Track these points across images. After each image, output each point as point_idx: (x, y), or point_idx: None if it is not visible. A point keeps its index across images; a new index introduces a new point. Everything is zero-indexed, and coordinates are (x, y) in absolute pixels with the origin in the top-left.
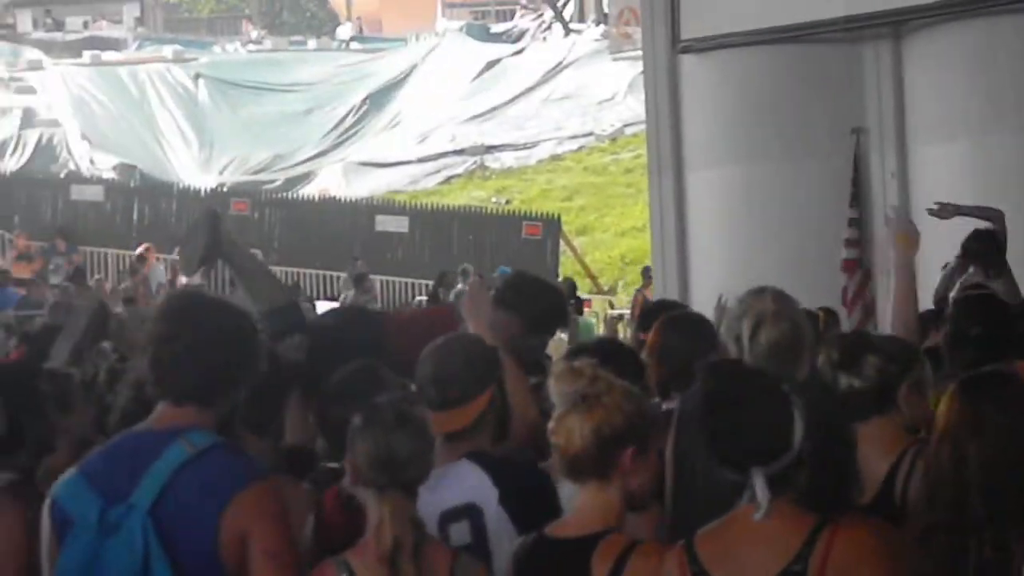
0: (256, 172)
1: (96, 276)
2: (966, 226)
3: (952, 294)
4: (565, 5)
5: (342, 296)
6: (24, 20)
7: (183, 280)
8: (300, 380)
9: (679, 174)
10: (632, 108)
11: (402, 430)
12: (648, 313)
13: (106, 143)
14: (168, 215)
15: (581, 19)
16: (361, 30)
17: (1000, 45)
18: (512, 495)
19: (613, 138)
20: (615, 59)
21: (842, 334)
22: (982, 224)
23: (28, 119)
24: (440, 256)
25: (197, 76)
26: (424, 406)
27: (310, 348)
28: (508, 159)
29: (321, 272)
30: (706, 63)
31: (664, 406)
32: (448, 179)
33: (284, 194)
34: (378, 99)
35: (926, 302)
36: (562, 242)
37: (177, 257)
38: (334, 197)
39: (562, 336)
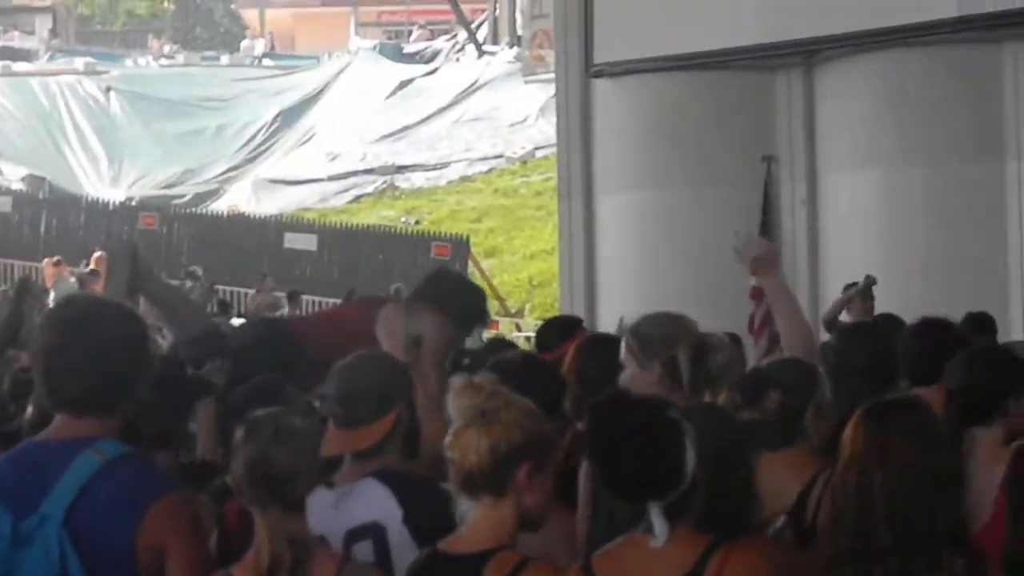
0: (166, 187)
1: (1, 288)
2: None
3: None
4: (479, 27)
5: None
6: None
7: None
8: (213, 395)
9: (589, 198)
10: (543, 131)
11: (280, 445)
12: (546, 329)
13: (15, 154)
14: (76, 227)
15: (495, 41)
16: (273, 47)
17: (910, 77)
18: (416, 514)
19: (524, 161)
20: (528, 82)
21: (743, 375)
22: None
23: None
24: (348, 275)
25: (108, 89)
26: (331, 422)
27: (231, 370)
28: (418, 179)
29: (229, 288)
30: (618, 88)
31: (581, 426)
32: (358, 198)
33: (193, 209)
34: (290, 116)
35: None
36: (470, 263)
37: (85, 270)
38: (243, 213)
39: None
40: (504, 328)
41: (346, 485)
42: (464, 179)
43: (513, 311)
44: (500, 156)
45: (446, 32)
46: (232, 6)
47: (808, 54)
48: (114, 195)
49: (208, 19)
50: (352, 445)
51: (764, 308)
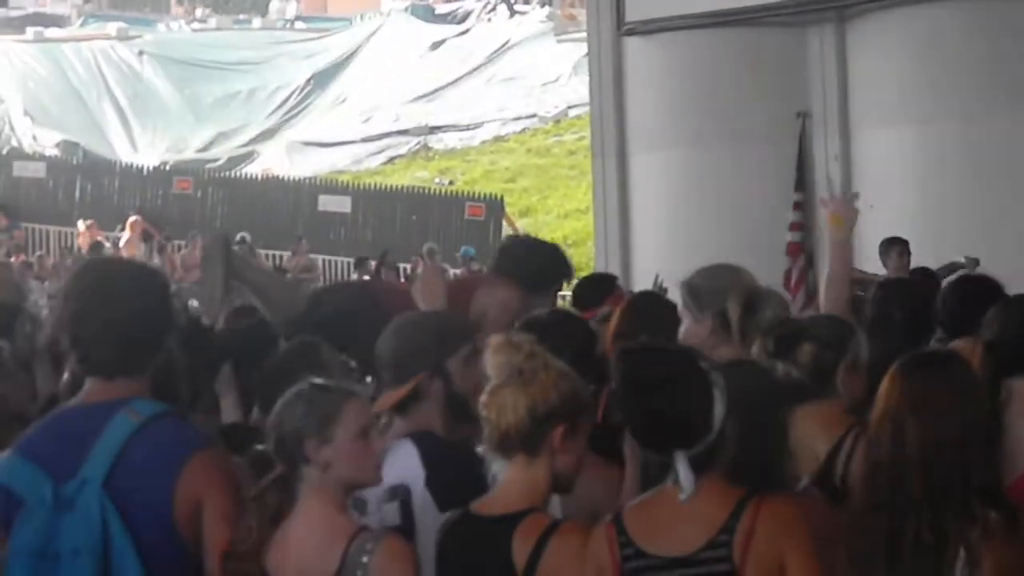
0: (200, 151)
1: (38, 252)
2: (912, 210)
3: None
4: None
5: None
6: None
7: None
8: (232, 357)
9: (622, 157)
10: (576, 90)
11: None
12: (582, 287)
13: (49, 120)
14: (111, 192)
15: (526, 1)
16: (293, 9)
17: (943, 31)
18: (438, 476)
19: (557, 120)
20: (560, 41)
21: (777, 323)
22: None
23: None
24: (383, 236)
25: (141, 53)
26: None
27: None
28: (452, 140)
29: (263, 251)
30: (651, 46)
31: None
32: (391, 159)
33: (227, 173)
34: (322, 79)
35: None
36: (505, 223)
37: (120, 235)
38: (277, 176)
39: None
40: None
41: (390, 442)
42: (497, 139)
43: None
44: (533, 116)
45: None
46: None
47: (840, 9)
48: (148, 160)
49: None
50: (382, 405)
51: (801, 263)
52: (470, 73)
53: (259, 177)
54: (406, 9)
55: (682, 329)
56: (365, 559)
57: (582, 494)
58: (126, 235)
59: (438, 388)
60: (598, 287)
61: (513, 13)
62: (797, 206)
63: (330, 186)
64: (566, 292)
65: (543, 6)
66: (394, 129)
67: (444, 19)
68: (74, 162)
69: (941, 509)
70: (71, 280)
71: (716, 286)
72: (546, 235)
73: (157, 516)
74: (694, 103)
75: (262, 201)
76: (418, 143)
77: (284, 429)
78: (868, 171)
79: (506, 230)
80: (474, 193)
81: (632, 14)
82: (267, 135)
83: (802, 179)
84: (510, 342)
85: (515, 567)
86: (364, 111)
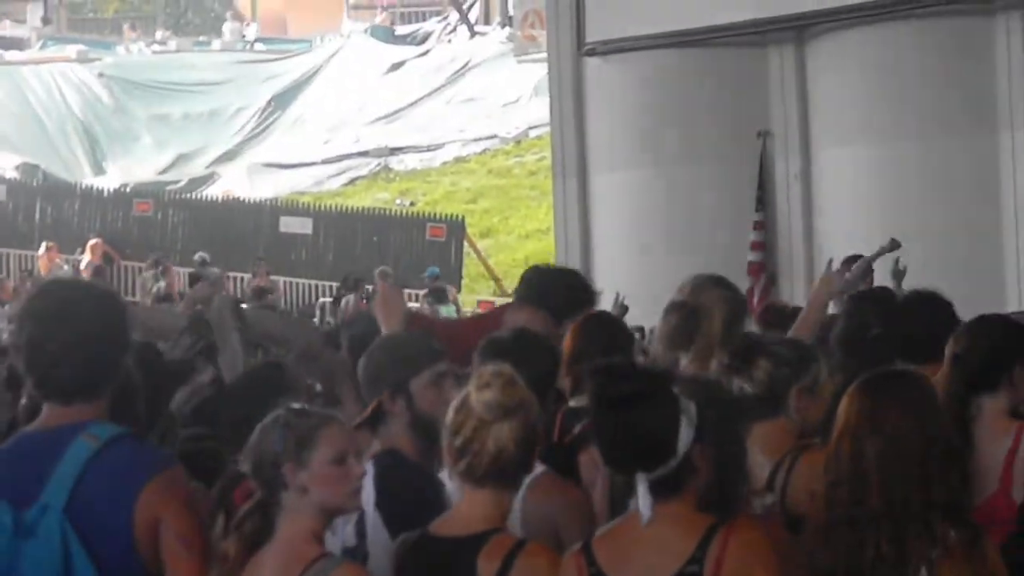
0: (160, 173)
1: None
2: (872, 229)
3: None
4: (471, 7)
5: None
6: None
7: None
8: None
9: (583, 177)
10: (537, 111)
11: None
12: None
13: (9, 143)
14: (71, 215)
15: (486, 21)
16: (244, 32)
17: (903, 51)
18: (389, 499)
19: (518, 140)
20: (520, 62)
21: (737, 338)
22: None
23: None
24: (344, 258)
25: (101, 76)
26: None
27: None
28: (412, 161)
29: (224, 274)
30: (611, 66)
31: (573, 403)
32: (352, 180)
33: (188, 195)
34: (283, 100)
35: None
36: (466, 244)
37: (80, 257)
38: (238, 198)
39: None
40: None
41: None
42: (458, 160)
43: (509, 291)
44: (494, 136)
45: (437, 13)
46: None
47: (800, 29)
48: (108, 182)
49: (199, 4)
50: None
51: (763, 283)
52: (430, 94)
53: (220, 199)
54: (366, 31)
55: None
56: None
57: (543, 514)
58: (86, 258)
59: (401, 408)
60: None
61: (473, 34)
62: (758, 225)
63: (291, 208)
64: None
65: (503, 27)
66: (355, 150)
67: (404, 40)
68: (34, 184)
69: (901, 526)
70: (27, 304)
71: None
72: (507, 255)
73: (118, 539)
74: (654, 123)
75: (223, 223)
76: (379, 164)
77: (262, 453)
78: (828, 190)
79: (468, 251)
80: (435, 214)
81: (592, 34)
82: (228, 157)
83: (763, 198)
84: (504, 376)
85: None
86: (325, 132)
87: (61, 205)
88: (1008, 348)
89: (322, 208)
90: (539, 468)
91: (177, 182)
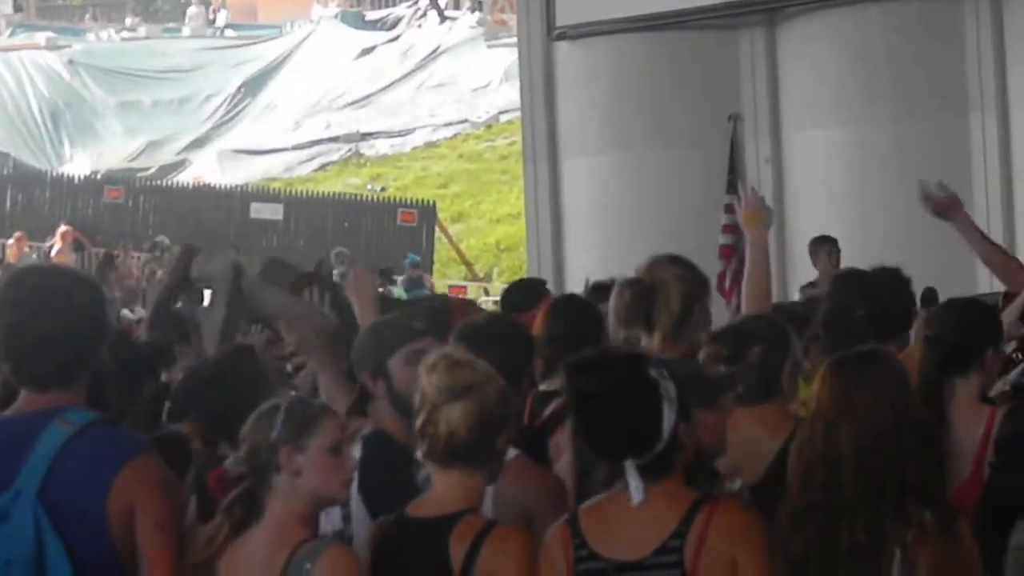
0: (130, 160)
1: None
2: (842, 211)
3: None
4: None
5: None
6: None
7: None
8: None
9: (554, 161)
10: (507, 95)
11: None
12: (511, 292)
13: None
14: (41, 203)
15: (456, 6)
16: (214, 18)
17: (873, 33)
18: (368, 480)
19: (488, 125)
20: (490, 46)
21: (723, 330)
22: None
23: None
24: (315, 243)
25: (71, 63)
26: None
27: None
28: (383, 146)
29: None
30: (581, 50)
31: (543, 387)
32: (323, 166)
33: (158, 182)
34: (253, 86)
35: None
36: (437, 229)
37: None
38: (209, 184)
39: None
40: (473, 293)
41: None
42: (429, 145)
43: (481, 276)
44: (464, 121)
45: None
46: None
47: (770, 12)
48: (79, 169)
49: None
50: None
51: (734, 266)
52: (401, 79)
53: (191, 185)
54: (336, 16)
55: None
56: (308, 566)
57: (515, 499)
58: (57, 245)
59: (381, 388)
60: (527, 293)
61: (443, 19)
62: (729, 208)
63: (262, 194)
64: (498, 297)
65: (473, 12)
66: (325, 136)
67: (374, 26)
68: (4, 172)
69: (875, 509)
70: (2, 291)
71: None
72: (478, 240)
73: (92, 525)
74: (625, 107)
75: (194, 209)
76: (349, 150)
77: (258, 438)
78: (799, 173)
79: (439, 236)
80: (406, 199)
81: (562, 19)
82: (198, 143)
83: (734, 181)
84: (450, 359)
85: (451, 568)
86: (295, 118)
87: (31, 193)
88: (980, 331)
89: (293, 194)
90: (512, 453)
91: (147, 169)
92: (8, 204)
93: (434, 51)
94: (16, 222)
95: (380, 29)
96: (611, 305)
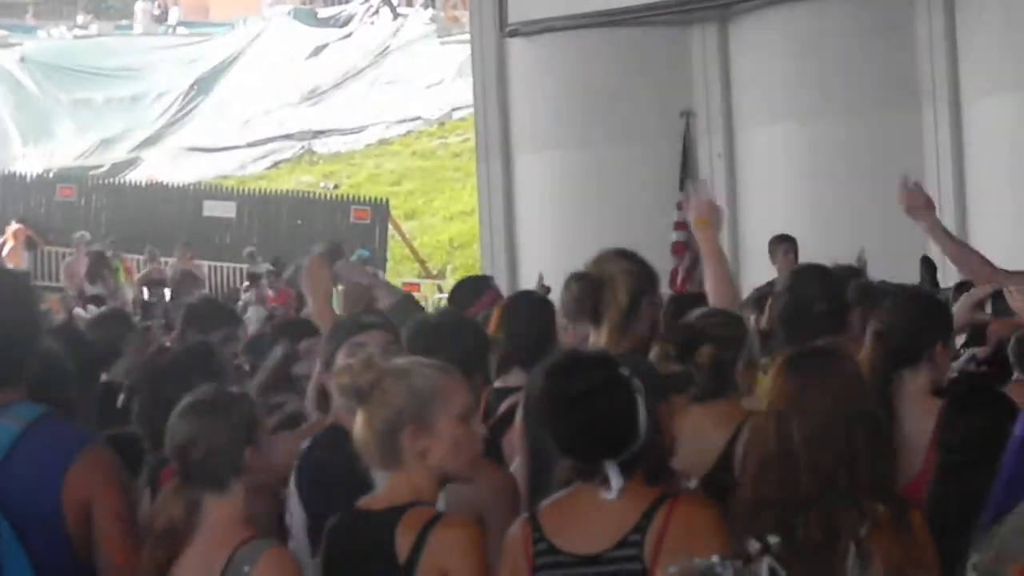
0: (83, 158)
1: None
2: (796, 206)
3: None
4: None
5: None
6: None
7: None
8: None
9: (507, 158)
10: (460, 92)
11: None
12: (457, 290)
13: None
14: None
15: (409, 3)
16: (162, 14)
17: (826, 30)
18: (305, 477)
19: (441, 122)
20: (443, 43)
21: (676, 326)
22: None
23: None
24: (268, 241)
25: (22, 60)
26: None
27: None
28: (336, 144)
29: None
30: (533, 47)
31: (498, 383)
32: (276, 164)
33: (111, 180)
34: (205, 84)
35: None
36: (390, 226)
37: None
38: (161, 182)
39: None
40: (426, 290)
41: None
42: (382, 142)
43: (435, 273)
44: (417, 118)
45: None
46: None
47: (722, 8)
48: (31, 167)
49: None
50: None
51: (687, 262)
52: (353, 76)
53: (143, 183)
54: (288, 13)
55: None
56: (247, 568)
57: (468, 497)
58: (9, 243)
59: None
60: (473, 289)
61: (396, 16)
62: (681, 205)
63: (215, 192)
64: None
65: (426, 8)
66: (278, 134)
67: (327, 23)
68: None
69: (829, 504)
70: None
71: None
72: (432, 237)
73: (47, 519)
74: (578, 103)
75: (147, 207)
76: (302, 147)
77: (212, 440)
78: (752, 169)
79: (392, 233)
80: (359, 197)
81: (515, 15)
82: (151, 141)
83: (686, 177)
84: (348, 365)
85: (397, 559)
86: (248, 116)
87: None
88: (929, 324)
89: (246, 192)
90: None
91: (100, 167)
92: None
93: (387, 48)
94: None
95: (333, 26)
96: (560, 298)
